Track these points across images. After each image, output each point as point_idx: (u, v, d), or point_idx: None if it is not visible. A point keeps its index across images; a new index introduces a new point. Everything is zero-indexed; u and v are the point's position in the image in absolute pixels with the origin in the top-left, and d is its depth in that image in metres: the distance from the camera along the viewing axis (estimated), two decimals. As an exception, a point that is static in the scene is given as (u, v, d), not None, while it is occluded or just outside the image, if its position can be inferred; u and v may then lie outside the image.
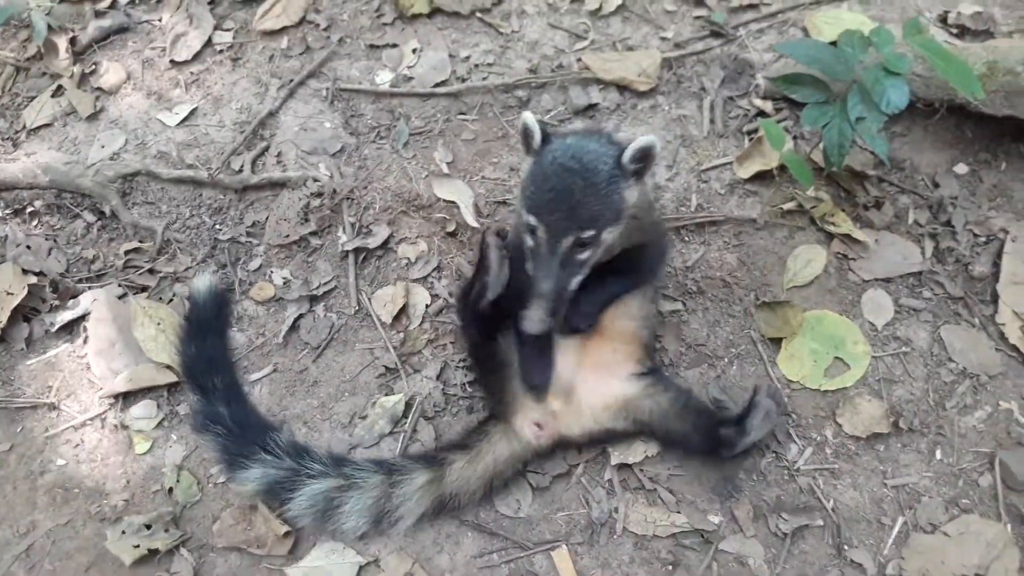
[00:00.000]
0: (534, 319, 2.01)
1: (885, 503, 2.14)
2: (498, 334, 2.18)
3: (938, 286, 2.44)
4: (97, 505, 2.21)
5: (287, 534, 2.08)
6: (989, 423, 2.24)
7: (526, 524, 2.13)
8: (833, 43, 2.30)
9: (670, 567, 2.04)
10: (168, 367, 2.36)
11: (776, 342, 2.37)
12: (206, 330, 2.36)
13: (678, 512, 2.12)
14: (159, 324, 2.42)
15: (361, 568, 2.05)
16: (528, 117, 1.92)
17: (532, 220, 1.88)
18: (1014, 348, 2.34)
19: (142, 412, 2.36)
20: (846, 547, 2.07)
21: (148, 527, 2.11)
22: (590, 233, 1.88)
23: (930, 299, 2.42)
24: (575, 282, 1.96)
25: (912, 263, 2.47)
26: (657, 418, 2.15)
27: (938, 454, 2.20)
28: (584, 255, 1.92)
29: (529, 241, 1.94)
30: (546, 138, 1.93)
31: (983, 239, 2.51)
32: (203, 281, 2.41)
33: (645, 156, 1.86)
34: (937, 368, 2.33)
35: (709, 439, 2.11)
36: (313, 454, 2.13)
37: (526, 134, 1.93)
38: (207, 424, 2.18)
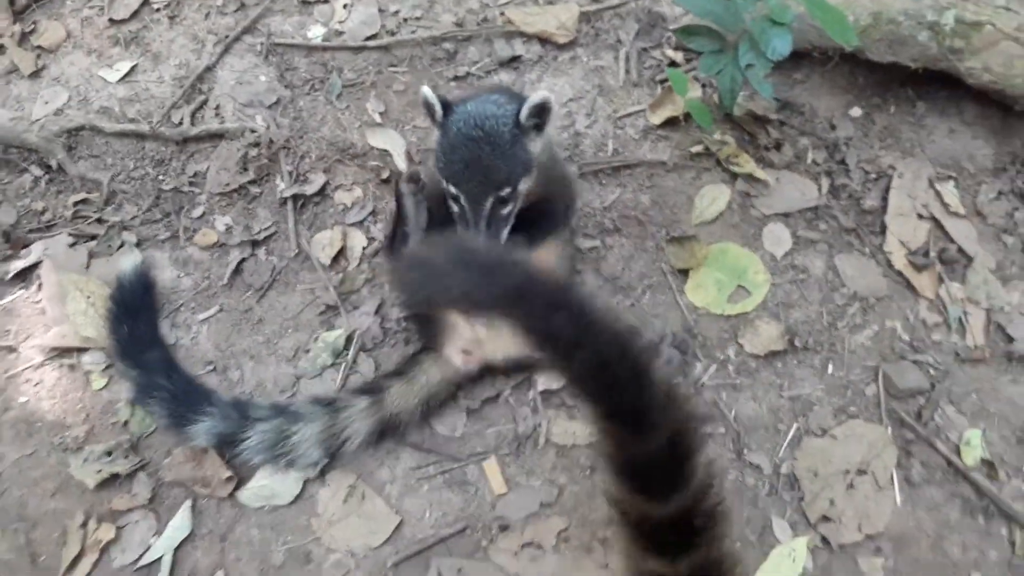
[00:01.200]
0: None
1: (781, 412, 2.38)
2: None
3: (832, 219, 2.68)
4: (59, 437, 2.35)
5: (229, 478, 2.24)
6: (875, 340, 2.49)
7: (460, 441, 2.33)
8: (728, -4, 2.50)
9: (588, 471, 2.27)
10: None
11: (684, 273, 2.58)
12: (136, 310, 2.44)
13: (596, 425, 2.34)
14: (88, 298, 2.53)
15: (306, 483, 2.24)
16: (426, 91, 2.06)
17: (452, 189, 2.08)
18: (899, 274, 2.58)
19: (91, 359, 2.49)
20: (745, 451, 2.31)
21: (109, 454, 2.27)
22: (507, 190, 2.08)
23: (825, 231, 2.66)
24: (504, 234, 2.16)
25: (809, 199, 2.70)
26: None
27: (830, 368, 2.45)
28: (506, 210, 2.13)
29: (454, 206, 2.13)
30: (447, 109, 2.08)
31: (873, 176, 2.74)
32: (128, 262, 2.48)
33: (541, 111, 2.04)
34: (831, 292, 2.57)
35: None
36: (257, 403, 2.30)
37: (428, 107, 2.08)
38: (150, 394, 2.29)
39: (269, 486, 2.22)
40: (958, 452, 2.29)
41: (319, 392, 2.39)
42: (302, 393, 2.41)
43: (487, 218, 2.09)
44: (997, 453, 2.29)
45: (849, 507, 2.21)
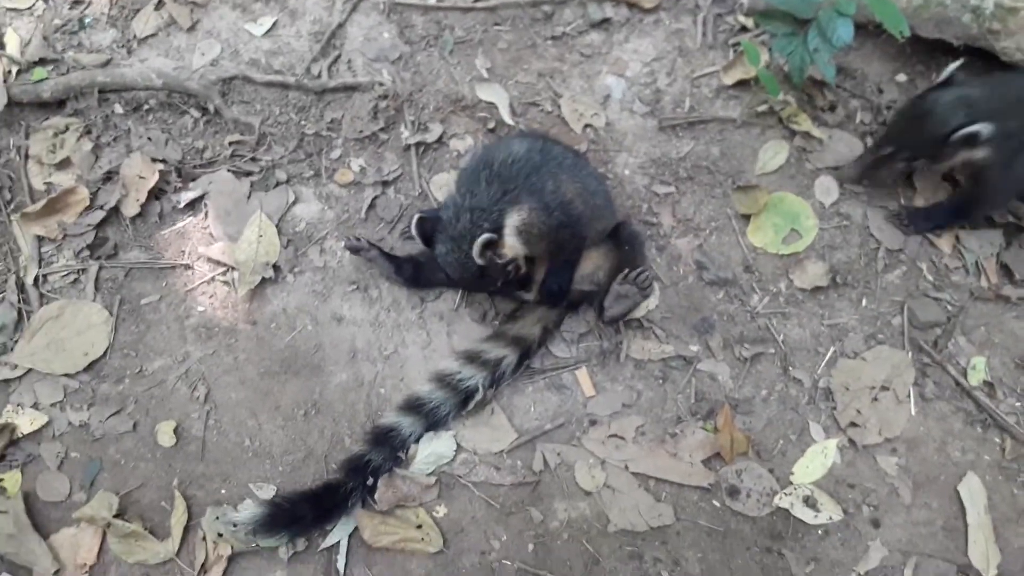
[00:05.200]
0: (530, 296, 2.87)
1: (821, 337, 2.89)
2: None
3: (875, 174, 3.12)
4: (234, 339, 2.94)
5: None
6: (904, 279, 2.96)
7: (560, 360, 2.88)
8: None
9: (660, 381, 2.82)
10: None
11: (747, 218, 3.05)
12: None
13: (667, 344, 2.87)
14: (260, 234, 3.05)
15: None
16: (413, 226, 2.61)
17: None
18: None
19: (236, 276, 3.04)
20: (790, 368, 2.83)
21: (280, 355, 2.86)
22: (492, 284, 2.72)
23: (867, 185, 3.10)
24: (529, 289, 2.82)
25: (855, 154, 3.12)
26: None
27: (864, 302, 2.94)
28: (510, 277, 2.68)
29: None
30: (428, 242, 2.62)
31: (913, 135, 3.17)
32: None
33: (488, 246, 2.49)
34: (868, 238, 3.04)
35: (599, 306, 2.82)
36: (426, 395, 2.75)
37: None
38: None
39: (434, 452, 2.72)
40: (965, 375, 2.80)
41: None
42: (428, 310, 2.95)
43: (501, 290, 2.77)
44: (997, 376, 2.80)
45: (873, 416, 2.74)
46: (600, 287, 2.82)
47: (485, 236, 2.46)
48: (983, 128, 2.61)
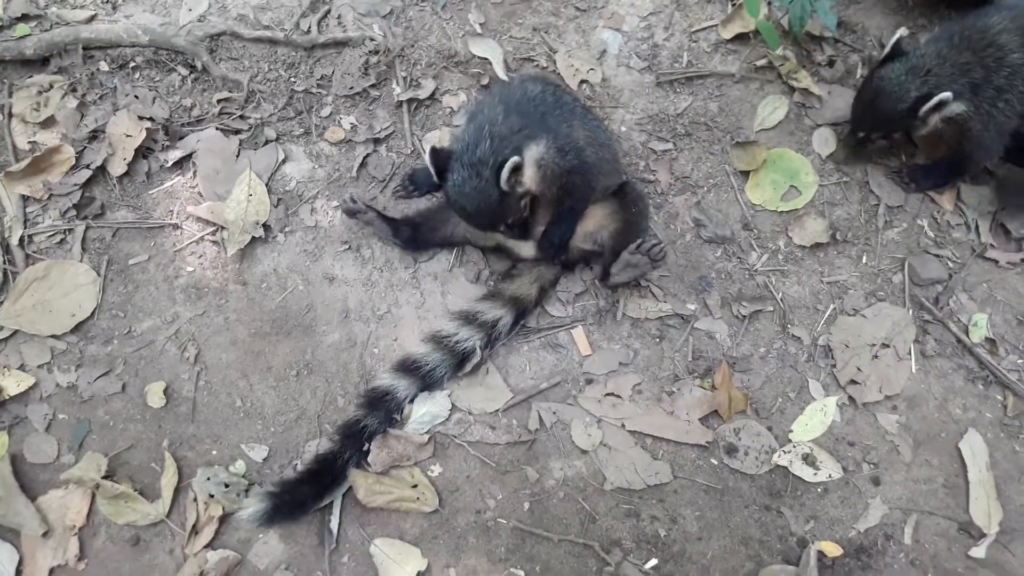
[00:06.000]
0: (526, 248, 2.82)
1: (821, 294, 2.85)
2: None
3: (876, 129, 3.07)
4: (224, 300, 2.89)
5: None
6: (904, 235, 2.92)
7: (556, 319, 2.84)
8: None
9: (658, 339, 2.77)
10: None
11: (745, 174, 3.00)
12: None
13: (664, 302, 2.83)
14: (250, 194, 2.98)
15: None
16: (427, 153, 2.48)
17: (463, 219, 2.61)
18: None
19: (226, 235, 2.98)
20: (789, 325, 2.79)
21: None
22: (503, 226, 2.58)
23: (859, 163, 3.03)
24: (533, 230, 2.72)
25: (856, 110, 3.08)
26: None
27: (864, 259, 2.90)
28: (513, 222, 2.60)
29: None
30: (441, 174, 2.49)
31: (915, 90, 3.11)
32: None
33: (514, 171, 2.41)
34: (868, 194, 2.99)
35: (604, 271, 2.77)
36: (422, 356, 2.70)
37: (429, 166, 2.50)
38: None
39: (428, 412, 2.68)
40: (967, 331, 2.76)
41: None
42: (422, 270, 2.90)
43: (503, 230, 2.62)
44: (999, 333, 2.76)
45: (873, 373, 2.71)
46: (603, 248, 2.77)
47: (514, 159, 2.38)
48: (945, 96, 2.58)
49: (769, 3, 3.17)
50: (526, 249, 2.81)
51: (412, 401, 2.68)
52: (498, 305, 2.74)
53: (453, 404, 2.68)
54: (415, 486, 2.56)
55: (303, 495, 2.49)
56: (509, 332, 2.76)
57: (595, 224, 2.79)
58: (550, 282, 2.83)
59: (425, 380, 2.67)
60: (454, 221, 2.80)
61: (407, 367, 2.68)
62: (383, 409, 2.62)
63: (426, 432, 2.65)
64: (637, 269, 2.69)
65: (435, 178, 2.51)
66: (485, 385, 2.70)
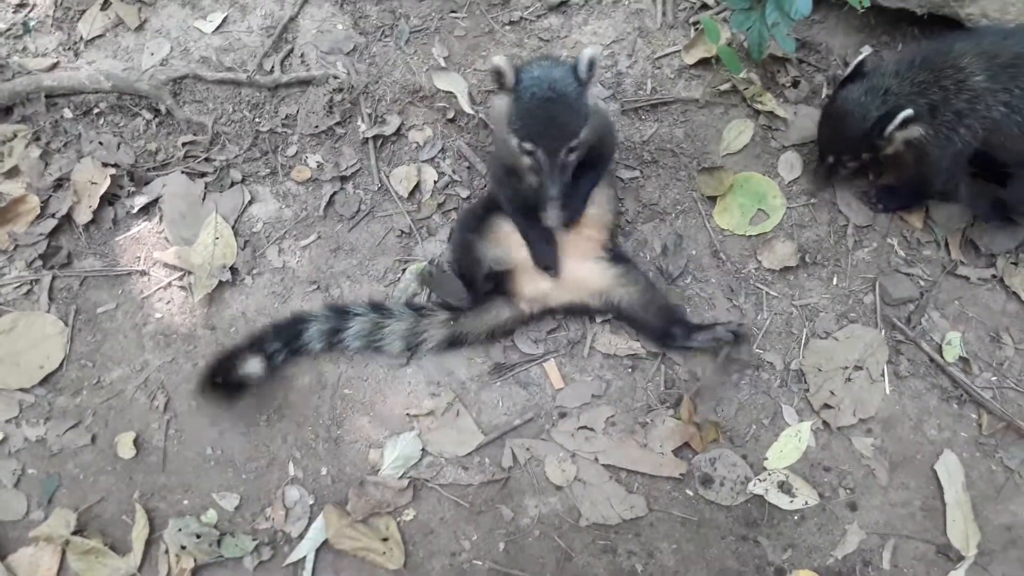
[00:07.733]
0: (553, 216, 2.69)
1: (792, 318, 2.84)
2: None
3: (842, 148, 3.06)
4: (192, 346, 2.87)
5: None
6: (875, 255, 2.91)
7: (527, 355, 2.81)
8: (757, -44, 2.82)
9: (630, 369, 2.75)
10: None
11: (712, 199, 2.99)
12: None
13: (636, 341, 2.80)
14: (217, 237, 2.97)
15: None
16: (500, 61, 2.30)
17: (529, 146, 2.39)
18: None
19: (192, 280, 2.96)
20: (760, 351, 2.78)
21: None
22: (576, 141, 2.40)
23: (832, 187, 3.01)
24: (569, 179, 2.52)
25: (822, 130, 3.07)
26: (626, 305, 2.75)
27: (834, 280, 2.88)
28: (572, 157, 2.45)
29: (529, 160, 2.45)
30: (517, 76, 2.35)
31: (880, 108, 3.11)
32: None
33: (592, 65, 2.35)
34: (837, 214, 2.98)
35: (663, 331, 2.74)
36: (355, 305, 2.78)
37: (498, 75, 2.33)
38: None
39: (401, 455, 2.65)
40: (940, 351, 2.75)
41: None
42: (391, 307, 2.88)
43: (560, 167, 2.42)
44: (972, 351, 2.74)
45: (847, 396, 2.69)
46: (612, 310, 2.80)
47: (590, 52, 2.33)
48: (908, 113, 2.54)
49: (731, 28, 3.17)
50: (551, 217, 2.73)
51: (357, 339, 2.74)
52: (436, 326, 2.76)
53: (424, 448, 2.66)
54: (386, 539, 2.53)
55: None
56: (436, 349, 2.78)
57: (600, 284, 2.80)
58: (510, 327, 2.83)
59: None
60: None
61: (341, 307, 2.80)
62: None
63: (403, 476, 2.62)
64: (717, 343, 2.72)
65: (511, 78, 2.35)
66: (456, 428, 2.68)
